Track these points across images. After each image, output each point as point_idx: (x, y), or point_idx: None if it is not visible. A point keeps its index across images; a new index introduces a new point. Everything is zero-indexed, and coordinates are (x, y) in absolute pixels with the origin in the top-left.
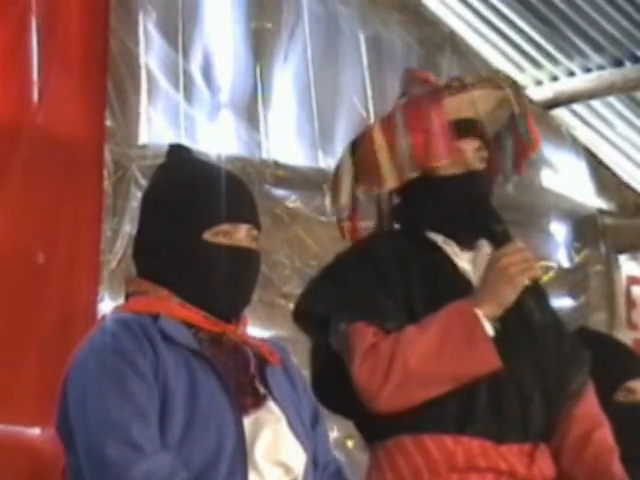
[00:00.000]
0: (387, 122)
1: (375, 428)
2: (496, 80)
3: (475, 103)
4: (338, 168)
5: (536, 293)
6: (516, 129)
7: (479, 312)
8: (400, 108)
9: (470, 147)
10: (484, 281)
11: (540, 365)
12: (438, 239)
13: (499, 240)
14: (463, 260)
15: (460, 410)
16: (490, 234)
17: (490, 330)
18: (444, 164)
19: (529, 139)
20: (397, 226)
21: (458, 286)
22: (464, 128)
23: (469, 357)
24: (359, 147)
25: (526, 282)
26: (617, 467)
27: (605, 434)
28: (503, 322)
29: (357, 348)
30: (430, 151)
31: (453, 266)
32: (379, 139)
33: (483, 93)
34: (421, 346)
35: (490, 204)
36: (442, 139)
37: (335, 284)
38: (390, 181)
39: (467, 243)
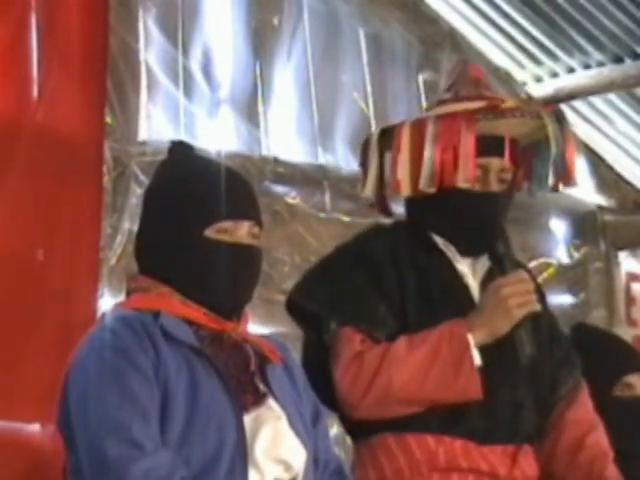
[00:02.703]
0: (418, 128)
1: (359, 425)
2: (537, 109)
3: (512, 127)
4: (366, 155)
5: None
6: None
7: (471, 339)
8: (434, 119)
9: (495, 167)
10: (481, 307)
11: (534, 374)
12: (440, 241)
13: (502, 265)
14: (462, 265)
15: (447, 411)
16: (494, 256)
17: (478, 359)
18: (461, 186)
19: (563, 172)
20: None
21: (454, 290)
22: (496, 146)
23: (452, 386)
24: (387, 139)
25: (522, 315)
26: (611, 471)
27: (599, 437)
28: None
29: (342, 354)
30: (450, 173)
31: (452, 269)
32: (405, 144)
33: (522, 120)
34: (406, 368)
35: (500, 226)
36: (465, 164)
37: (328, 282)
38: (405, 190)
39: (466, 253)
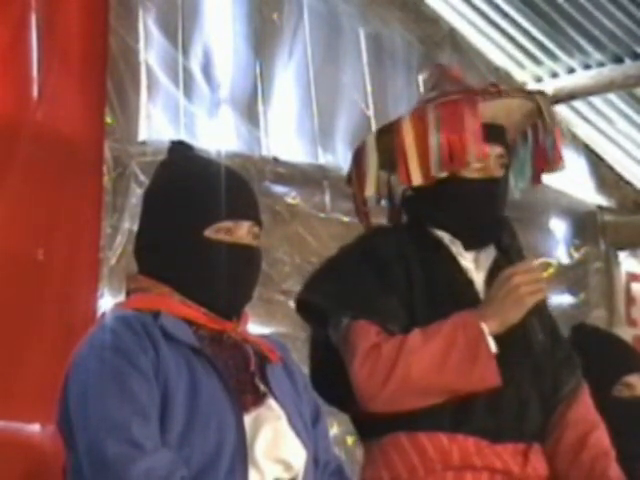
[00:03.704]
0: (419, 118)
1: (371, 424)
2: (528, 90)
3: (511, 112)
4: (362, 156)
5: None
6: (540, 143)
7: (485, 327)
8: (434, 106)
9: (494, 153)
10: (492, 296)
11: (538, 371)
12: (444, 237)
13: (509, 255)
14: (466, 260)
15: (457, 409)
16: (499, 246)
17: (494, 347)
18: (471, 168)
19: (553, 155)
20: (405, 219)
21: (459, 286)
22: (494, 134)
23: (470, 374)
24: (385, 137)
25: (533, 303)
26: (614, 471)
27: (601, 436)
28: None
29: (359, 346)
30: (459, 153)
31: (456, 265)
32: (409, 134)
33: (517, 102)
34: (424, 357)
35: (502, 213)
36: (474, 143)
37: (337, 279)
38: (417, 178)
39: (472, 246)
